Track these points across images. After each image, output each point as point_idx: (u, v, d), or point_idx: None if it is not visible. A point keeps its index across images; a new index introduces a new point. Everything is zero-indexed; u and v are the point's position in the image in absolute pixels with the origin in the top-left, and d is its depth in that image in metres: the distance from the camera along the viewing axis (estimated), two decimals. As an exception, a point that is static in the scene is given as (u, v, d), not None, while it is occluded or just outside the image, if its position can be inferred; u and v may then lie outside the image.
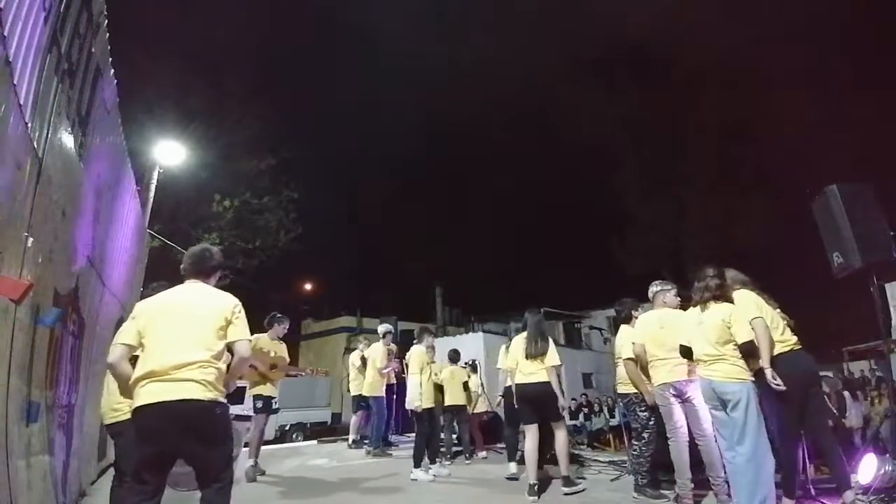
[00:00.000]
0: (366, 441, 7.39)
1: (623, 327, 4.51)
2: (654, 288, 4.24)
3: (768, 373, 3.22)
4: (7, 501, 2.19)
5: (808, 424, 3.31)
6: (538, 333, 4.62)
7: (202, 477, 2.21)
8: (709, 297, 3.47)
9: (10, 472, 2.24)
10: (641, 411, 4.16)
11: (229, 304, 2.44)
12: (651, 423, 4.10)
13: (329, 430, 14.50)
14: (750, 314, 3.34)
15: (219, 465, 2.24)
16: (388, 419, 8.06)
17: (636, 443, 4.18)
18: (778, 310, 3.53)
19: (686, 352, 3.66)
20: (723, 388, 3.28)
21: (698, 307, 3.52)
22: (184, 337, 2.26)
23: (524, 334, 4.71)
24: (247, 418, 5.00)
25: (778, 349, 3.33)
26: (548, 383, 4.41)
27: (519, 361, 4.63)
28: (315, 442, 9.45)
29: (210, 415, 2.22)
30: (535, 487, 4.25)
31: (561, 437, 4.45)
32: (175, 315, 2.32)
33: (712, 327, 3.37)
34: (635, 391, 4.20)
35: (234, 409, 4.23)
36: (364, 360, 7.25)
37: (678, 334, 3.72)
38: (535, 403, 4.51)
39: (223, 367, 2.32)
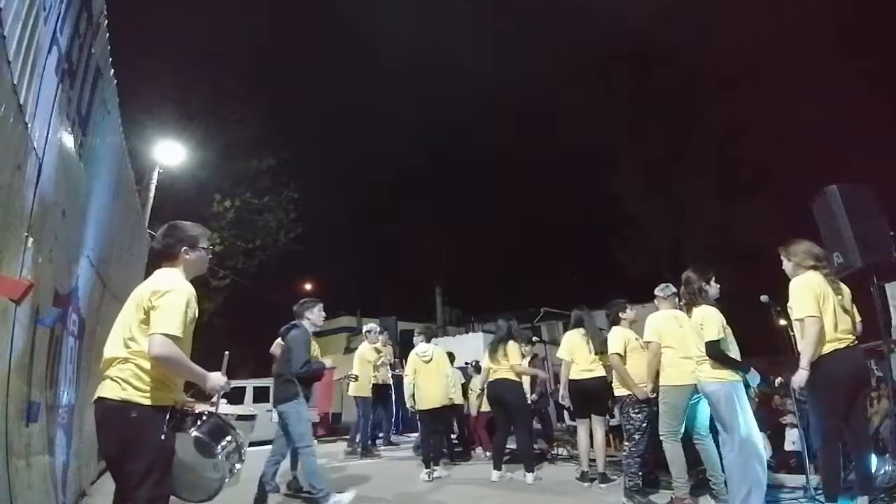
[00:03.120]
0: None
1: (614, 328, 4.55)
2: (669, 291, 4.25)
3: (798, 376, 3.13)
4: (7, 501, 2.19)
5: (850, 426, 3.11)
6: (598, 330, 4.97)
7: (120, 490, 1.97)
8: (685, 302, 3.61)
9: (10, 472, 2.24)
10: (635, 413, 4.14)
11: (148, 289, 2.08)
12: (644, 425, 4.10)
13: (329, 430, 14.47)
14: (803, 312, 3.11)
15: (132, 479, 1.91)
16: (391, 418, 8.12)
17: (626, 444, 4.18)
18: (840, 296, 3.17)
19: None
20: (704, 388, 3.43)
21: (688, 312, 3.65)
22: (114, 332, 2.11)
23: (581, 330, 4.97)
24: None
25: (832, 346, 3.08)
26: (604, 377, 4.75)
27: (577, 357, 4.88)
28: (315, 442, 9.45)
29: (118, 417, 1.95)
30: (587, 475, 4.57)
31: (599, 434, 4.77)
32: (123, 308, 2.17)
33: (693, 330, 3.52)
34: (629, 393, 4.18)
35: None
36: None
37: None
38: (589, 397, 4.82)
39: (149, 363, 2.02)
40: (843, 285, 3.28)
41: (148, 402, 1.98)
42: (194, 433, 2.09)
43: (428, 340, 5.91)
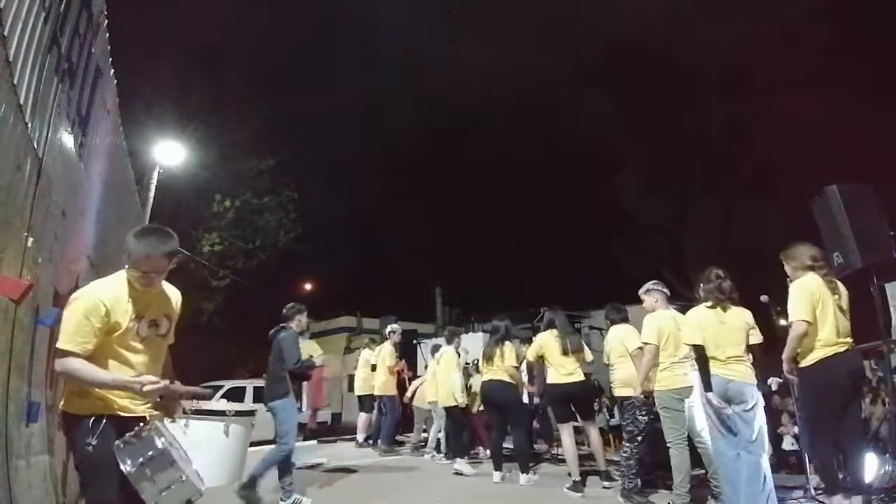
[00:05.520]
0: (370, 440, 7.47)
1: (620, 326, 4.50)
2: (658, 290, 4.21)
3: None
4: (7, 501, 2.19)
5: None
6: (572, 330, 4.96)
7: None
8: (725, 298, 3.44)
9: (10, 472, 2.24)
10: (641, 415, 4.08)
11: None
12: (648, 427, 4.08)
13: (329, 430, 14.48)
14: (794, 316, 3.15)
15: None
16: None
17: (629, 445, 4.14)
18: (837, 296, 3.18)
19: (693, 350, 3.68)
20: (742, 389, 3.28)
21: (718, 308, 3.45)
22: None
23: (554, 331, 4.85)
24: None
25: (832, 350, 3.11)
26: (586, 381, 4.75)
27: (551, 359, 4.79)
28: (315, 442, 9.46)
29: (63, 425, 2.06)
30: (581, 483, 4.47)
31: (594, 435, 4.80)
32: None
33: (735, 329, 3.37)
34: (635, 394, 4.08)
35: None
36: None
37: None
38: (573, 401, 4.79)
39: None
40: (840, 286, 3.27)
41: (74, 410, 1.98)
42: (117, 443, 1.92)
43: (448, 342, 6.28)
